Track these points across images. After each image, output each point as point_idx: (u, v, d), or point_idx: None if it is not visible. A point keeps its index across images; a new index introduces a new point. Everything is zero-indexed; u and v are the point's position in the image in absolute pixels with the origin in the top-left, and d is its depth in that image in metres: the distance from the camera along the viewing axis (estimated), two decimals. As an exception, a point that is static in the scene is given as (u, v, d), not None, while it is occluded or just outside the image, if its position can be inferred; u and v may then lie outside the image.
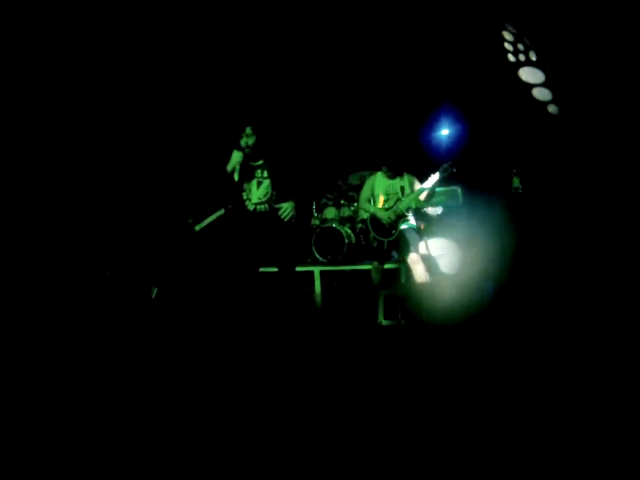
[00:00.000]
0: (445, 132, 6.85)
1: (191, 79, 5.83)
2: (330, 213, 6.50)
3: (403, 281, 4.85)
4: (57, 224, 5.26)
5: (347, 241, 5.63)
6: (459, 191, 5.20)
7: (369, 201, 4.01)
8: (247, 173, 3.44)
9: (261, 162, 3.42)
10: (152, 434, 1.70)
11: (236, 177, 3.39)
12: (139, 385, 2.29)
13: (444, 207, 4.97)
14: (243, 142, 3.31)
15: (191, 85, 5.89)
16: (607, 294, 2.94)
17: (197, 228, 5.51)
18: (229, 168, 3.36)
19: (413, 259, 3.68)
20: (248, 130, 3.37)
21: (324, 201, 7.83)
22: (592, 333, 2.43)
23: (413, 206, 3.85)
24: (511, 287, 3.32)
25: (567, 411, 1.64)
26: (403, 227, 3.78)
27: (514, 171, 4.43)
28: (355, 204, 6.29)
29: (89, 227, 5.73)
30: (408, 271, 3.80)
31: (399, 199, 3.78)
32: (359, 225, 6.15)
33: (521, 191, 4.29)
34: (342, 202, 6.54)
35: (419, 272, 3.69)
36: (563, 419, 1.58)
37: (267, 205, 3.33)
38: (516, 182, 4.29)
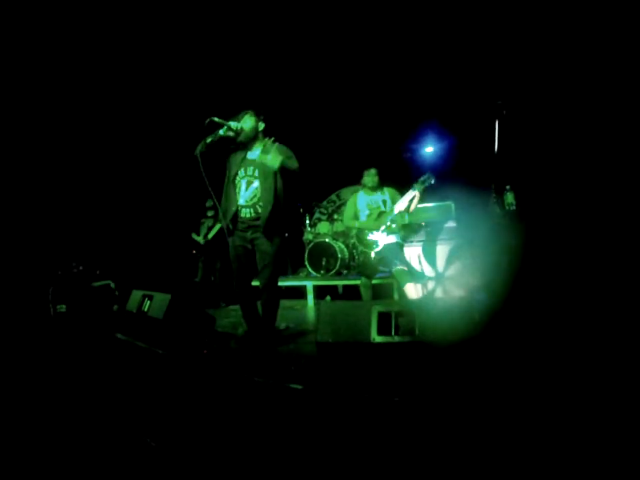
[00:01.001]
0: (429, 149, 6.95)
1: (191, 95, 5.87)
2: (323, 227, 6.47)
3: (395, 296, 4.81)
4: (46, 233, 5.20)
5: (339, 255, 5.59)
6: (452, 206, 5.20)
7: (355, 217, 4.05)
8: (236, 168, 2.97)
9: (256, 157, 2.93)
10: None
11: (198, 149, 2.81)
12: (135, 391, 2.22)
13: (436, 222, 4.95)
14: (233, 125, 2.82)
15: (190, 100, 5.93)
16: (606, 307, 2.91)
17: (210, 236, 5.53)
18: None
19: (400, 272, 3.68)
20: (247, 113, 2.91)
21: (317, 215, 7.81)
22: (591, 353, 2.39)
23: (400, 220, 3.85)
24: (506, 302, 3.29)
25: (569, 434, 1.60)
26: (388, 242, 3.79)
27: (507, 187, 4.43)
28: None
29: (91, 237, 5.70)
30: (399, 286, 3.80)
31: (382, 212, 3.81)
32: (352, 240, 6.13)
33: (514, 207, 4.29)
34: (335, 217, 6.54)
35: (408, 287, 3.70)
36: (565, 441, 1.53)
37: (252, 210, 2.92)
38: (510, 197, 4.29)
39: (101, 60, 4.93)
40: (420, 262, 4.63)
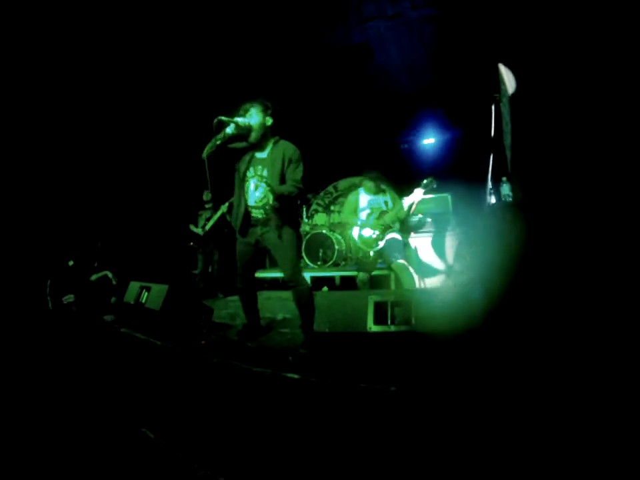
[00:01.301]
0: (429, 140, 6.93)
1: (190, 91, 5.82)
2: (320, 219, 6.48)
3: (392, 287, 4.84)
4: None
5: (337, 246, 5.61)
6: (449, 198, 5.21)
7: (354, 212, 4.06)
8: (244, 168, 2.86)
9: (265, 155, 2.85)
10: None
11: (205, 152, 2.69)
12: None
13: (433, 214, 4.97)
14: (241, 121, 2.67)
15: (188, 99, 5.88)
16: (603, 302, 2.92)
17: (208, 227, 5.54)
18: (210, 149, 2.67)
19: (400, 266, 3.73)
20: (253, 106, 2.75)
21: (314, 207, 7.81)
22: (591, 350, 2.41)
23: (400, 218, 3.90)
24: (504, 295, 3.31)
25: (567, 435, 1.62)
26: (389, 236, 3.84)
27: (503, 178, 4.44)
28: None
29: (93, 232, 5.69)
30: (397, 277, 3.83)
31: (384, 211, 3.85)
32: (349, 232, 6.15)
33: (510, 198, 4.30)
34: (332, 208, 6.54)
35: (407, 278, 3.74)
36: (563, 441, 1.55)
37: (262, 211, 2.83)
38: (506, 189, 4.30)
39: (97, 49, 4.88)
40: (418, 254, 4.66)
